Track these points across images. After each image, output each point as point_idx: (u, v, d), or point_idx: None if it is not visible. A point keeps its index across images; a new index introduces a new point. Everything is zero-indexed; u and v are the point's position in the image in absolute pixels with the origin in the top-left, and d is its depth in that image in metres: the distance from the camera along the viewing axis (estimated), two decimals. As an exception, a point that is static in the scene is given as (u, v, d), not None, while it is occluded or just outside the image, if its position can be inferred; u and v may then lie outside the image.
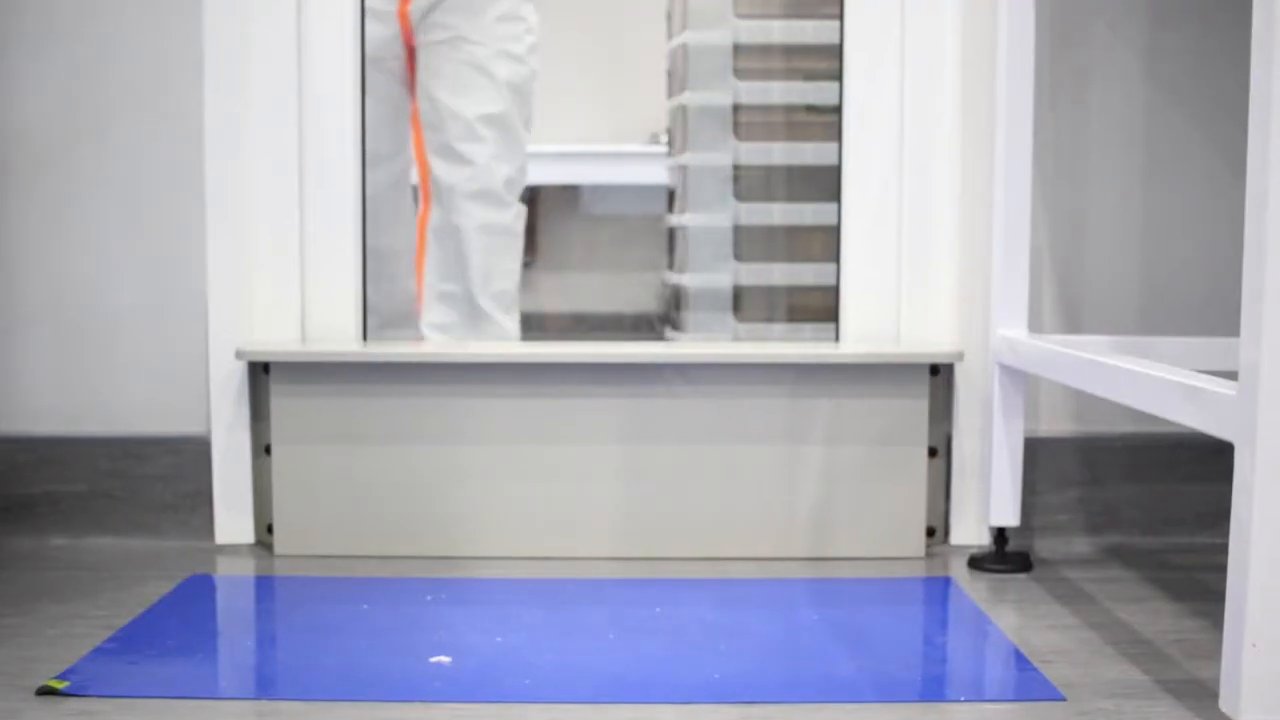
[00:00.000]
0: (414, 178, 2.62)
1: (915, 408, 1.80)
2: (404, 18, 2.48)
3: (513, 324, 2.57)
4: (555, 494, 1.80)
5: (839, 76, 1.92)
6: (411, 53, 2.53)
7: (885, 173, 1.90)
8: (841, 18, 1.91)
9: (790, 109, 2.87)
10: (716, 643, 1.44)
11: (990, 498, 1.75)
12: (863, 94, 1.90)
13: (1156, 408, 1.33)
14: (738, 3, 2.89)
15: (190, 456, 1.85)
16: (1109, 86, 1.85)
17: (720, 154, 2.92)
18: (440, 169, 2.50)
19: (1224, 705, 1.22)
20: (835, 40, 1.93)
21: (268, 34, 1.84)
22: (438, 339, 2.50)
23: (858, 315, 1.92)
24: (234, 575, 1.74)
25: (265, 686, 1.35)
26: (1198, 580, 1.70)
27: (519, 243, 2.58)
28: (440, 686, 1.30)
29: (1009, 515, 1.75)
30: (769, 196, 2.90)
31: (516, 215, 2.55)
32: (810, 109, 2.80)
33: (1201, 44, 1.85)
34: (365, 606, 1.57)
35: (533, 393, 1.79)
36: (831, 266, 1.96)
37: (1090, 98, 1.85)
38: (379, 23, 2.45)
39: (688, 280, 3.03)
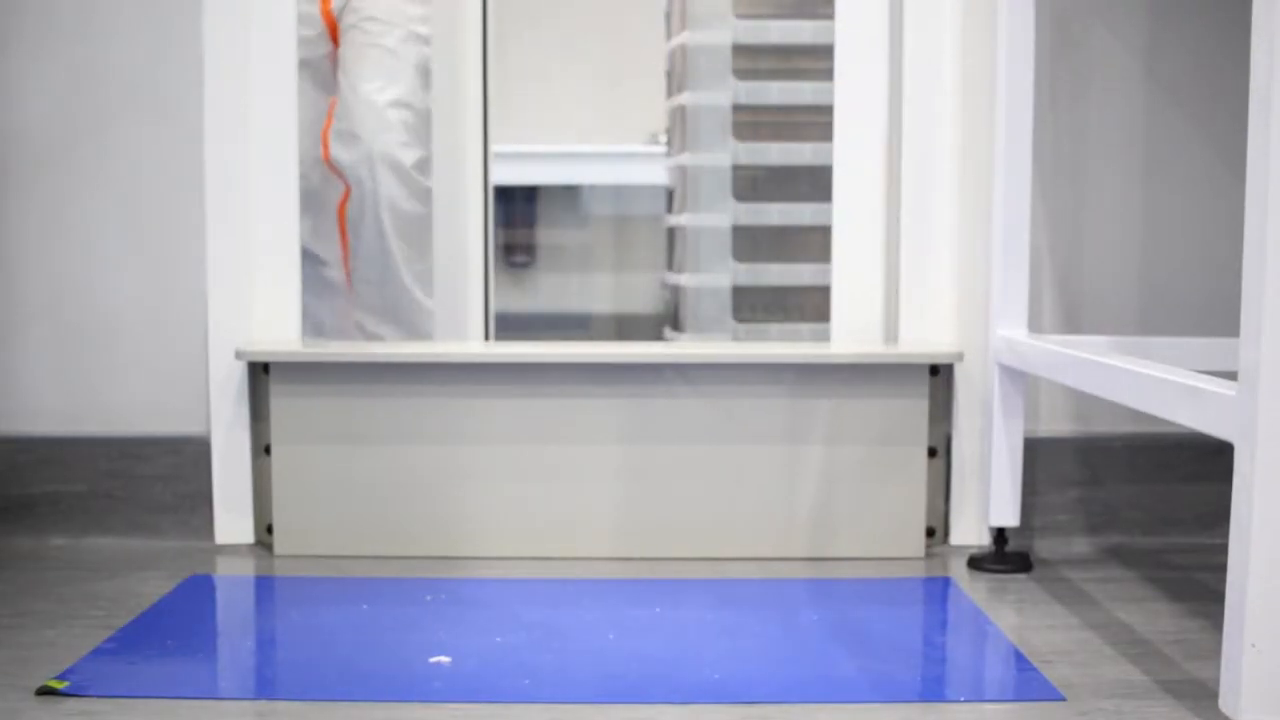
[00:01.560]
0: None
1: (915, 408, 1.81)
2: (327, 15, 2.46)
3: (431, 306, 2.54)
4: (555, 494, 1.80)
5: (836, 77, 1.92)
6: (336, 49, 2.51)
7: (883, 172, 1.90)
8: (837, 18, 1.91)
9: (789, 109, 2.87)
10: (716, 643, 1.44)
11: (990, 498, 1.76)
12: (859, 94, 1.90)
13: (1156, 408, 1.33)
14: (737, 3, 2.89)
15: (190, 456, 1.85)
16: (1109, 86, 1.85)
17: (719, 154, 2.92)
18: (342, 153, 2.45)
19: (1224, 705, 1.22)
20: (834, 40, 1.93)
21: (267, 34, 1.84)
22: (370, 329, 2.48)
23: (856, 315, 1.92)
24: (234, 575, 1.74)
25: (265, 686, 1.35)
26: (1198, 580, 1.70)
27: (429, 226, 2.54)
28: (440, 686, 1.30)
29: (1009, 515, 1.75)
30: (768, 196, 2.90)
31: (430, 198, 2.51)
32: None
33: (1201, 44, 1.85)
34: (365, 606, 1.57)
35: (533, 393, 1.79)
36: (831, 267, 1.96)
37: (1090, 98, 1.85)
38: (302, 24, 2.41)
39: (687, 280, 3.03)
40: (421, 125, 2.49)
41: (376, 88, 2.43)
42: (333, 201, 2.54)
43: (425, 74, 2.48)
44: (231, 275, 1.84)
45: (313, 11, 2.46)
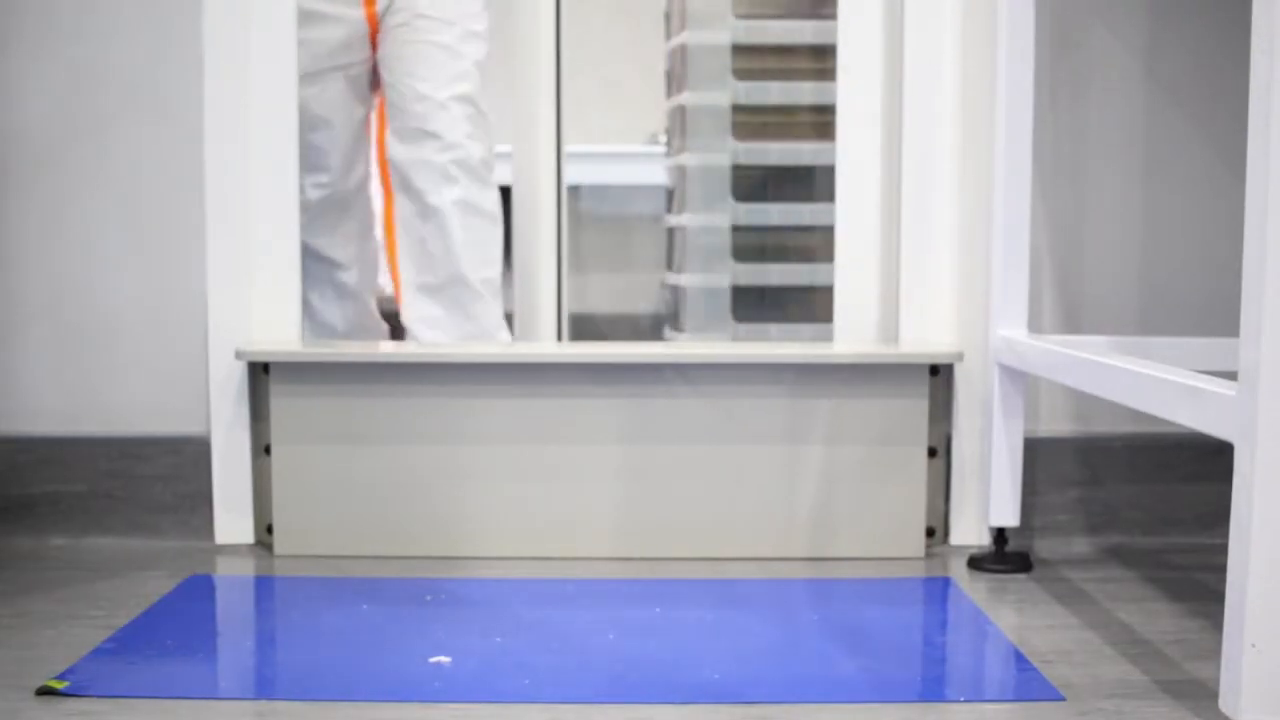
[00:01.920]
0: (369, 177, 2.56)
1: (915, 408, 1.81)
2: (371, 19, 2.40)
3: (500, 311, 2.45)
4: (555, 494, 1.80)
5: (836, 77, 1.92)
6: (375, 51, 2.44)
7: (884, 173, 1.90)
8: (839, 18, 1.91)
9: (789, 109, 2.87)
10: (716, 643, 1.44)
11: (990, 498, 1.76)
12: (860, 94, 1.90)
13: (1156, 408, 1.33)
14: (737, 3, 2.89)
15: (190, 456, 1.85)
16: (1109, 87, 1.85)
17: (719, 154, 2.92)
18: (403, 151, 2.37)
19: (1224, 705, 1.22)
20: (834, 40, 1.93)
21: (267, 34, 1.84)
22: (427, 335, 2.41)
23: (857, 315, 1.92)
24: (234, 575, 1.74)
25: (265, 686, 1.35)
26: (1198, 580, 1.70)
27: (500, 227, 2.45)
28: (440, 686, 1.30)
29: (1009, 515, 1.75)
30: (767, 197, 2.90)
31: (496, 199, 2.42)
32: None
33: (1201, 44, 1.85)
34: (365, 606, 1.57)
35: (533, 393, 1.79)
36: (830, 267, 1.96)
37: (1090, 98, 1.85)
38: (337, 25, 2.37)
39: (687, 280, 3.03)
40: (484, 122, 2.40)
41: (437, 84, 2.36)
42: (359, 205, 2.50)
43: (484, 72, 2.41)
44: (231, 275, 1.84)
45: (354, 14, 2.39)
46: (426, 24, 2.38)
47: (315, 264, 2.44)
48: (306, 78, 2.33)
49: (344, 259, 2.50)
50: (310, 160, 2.37)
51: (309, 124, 2.35)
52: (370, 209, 2.57)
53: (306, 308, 2.43)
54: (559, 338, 2.56)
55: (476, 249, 2.38)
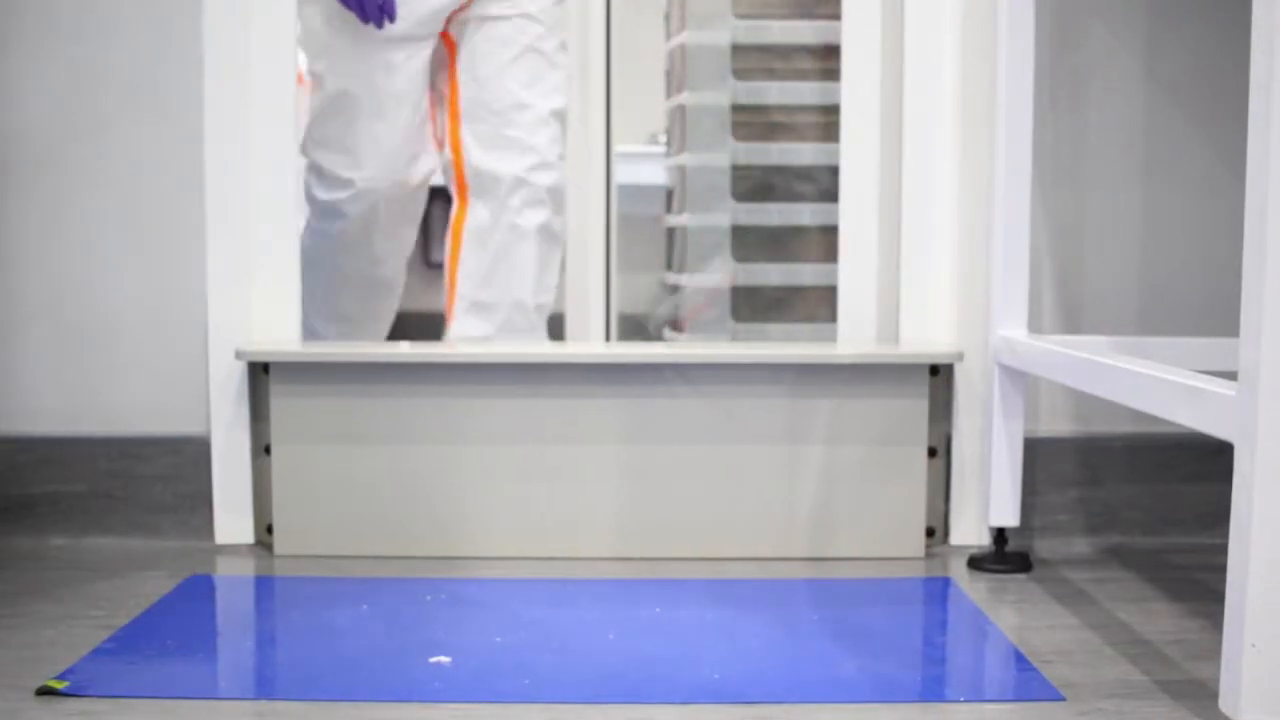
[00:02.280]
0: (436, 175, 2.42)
1: (915, 408, 1.81)
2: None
3: (545, 335, 2.36)
4: (555, 494, 1.80)
5: (838, 77, 1.92)
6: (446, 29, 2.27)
7: (884, 173, 1.90)
8: (841, 18, 1.91)
9: (789, 109, 2.87)
10: (716, 643, 1.44)
11: (990, 498, 1.76)
12: (862, 94, 1.90)
13: (1156, 408, 1.33)
14: (737, 3, 2.89)
15: (190, 457, 1.85)
16: (1108, 87, 1.85)
17: (719, 154, 2.92)
18: (490, 161, 2.22)
19: (1224, 705, 1.22)
20: (834, 40, 1.93)
21: (267, 34, 1.84)
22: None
23: (857, 315, 1.92)
24: (234, 575, 1.74)
25: (265, 686, 1.35)
26: (1198, 580, 1.70)
27: (561, 250, 2.35)
28: (440, 686, 1.30)
29: (1009, 515, 1.75)
30: (767, 197, 2.90)
31: (564, 222, 2.33)
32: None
33: (1201, 44, 1.85)
34: (365, 606, 1.57)
35: (533, 393, 1.79)
36: (829, 267, 1.96)
37: (1090, 98, 1.86)
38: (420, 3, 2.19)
39: (686, 280, 3.03)
40: (564, 141, 2.27)
41: (537, 94, 2.21)
42: (413, 204, 2.35)
43: (569, 86, 2.26)
44: (231, 275, 1.84)
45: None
46: (531, 26, 2.21)
47: (353, 260, 2.35)
48: (394, 42, 2.17)
49: (383, 255, 2.38)
50: (364, 150, 2.23)
51: (375, 109, 2.20)
52: (421, 209, 2.42)
53: (319, 299, 2.35)
54: (607, 338, 2.56)
55: (542, 274, 2.27)
